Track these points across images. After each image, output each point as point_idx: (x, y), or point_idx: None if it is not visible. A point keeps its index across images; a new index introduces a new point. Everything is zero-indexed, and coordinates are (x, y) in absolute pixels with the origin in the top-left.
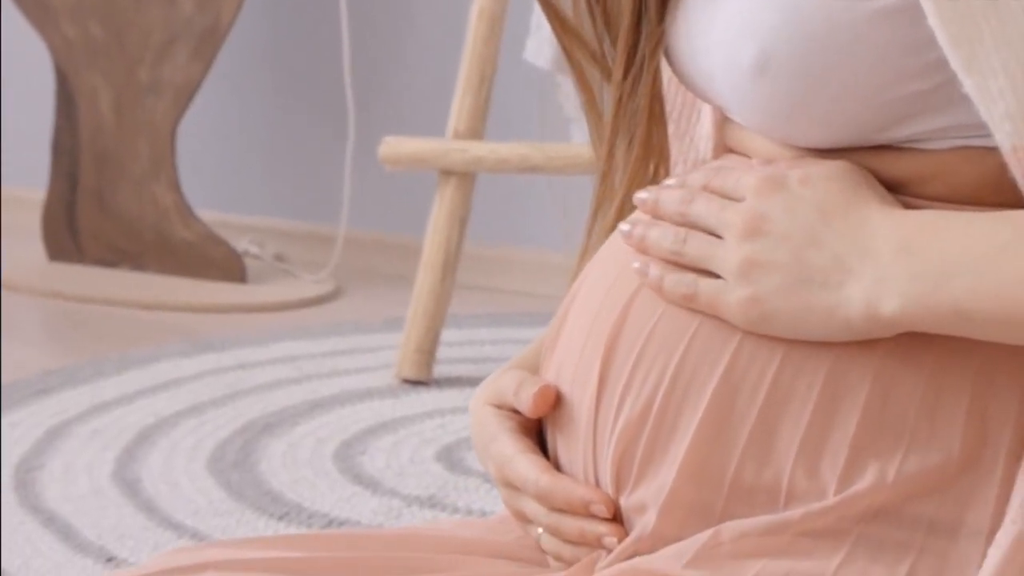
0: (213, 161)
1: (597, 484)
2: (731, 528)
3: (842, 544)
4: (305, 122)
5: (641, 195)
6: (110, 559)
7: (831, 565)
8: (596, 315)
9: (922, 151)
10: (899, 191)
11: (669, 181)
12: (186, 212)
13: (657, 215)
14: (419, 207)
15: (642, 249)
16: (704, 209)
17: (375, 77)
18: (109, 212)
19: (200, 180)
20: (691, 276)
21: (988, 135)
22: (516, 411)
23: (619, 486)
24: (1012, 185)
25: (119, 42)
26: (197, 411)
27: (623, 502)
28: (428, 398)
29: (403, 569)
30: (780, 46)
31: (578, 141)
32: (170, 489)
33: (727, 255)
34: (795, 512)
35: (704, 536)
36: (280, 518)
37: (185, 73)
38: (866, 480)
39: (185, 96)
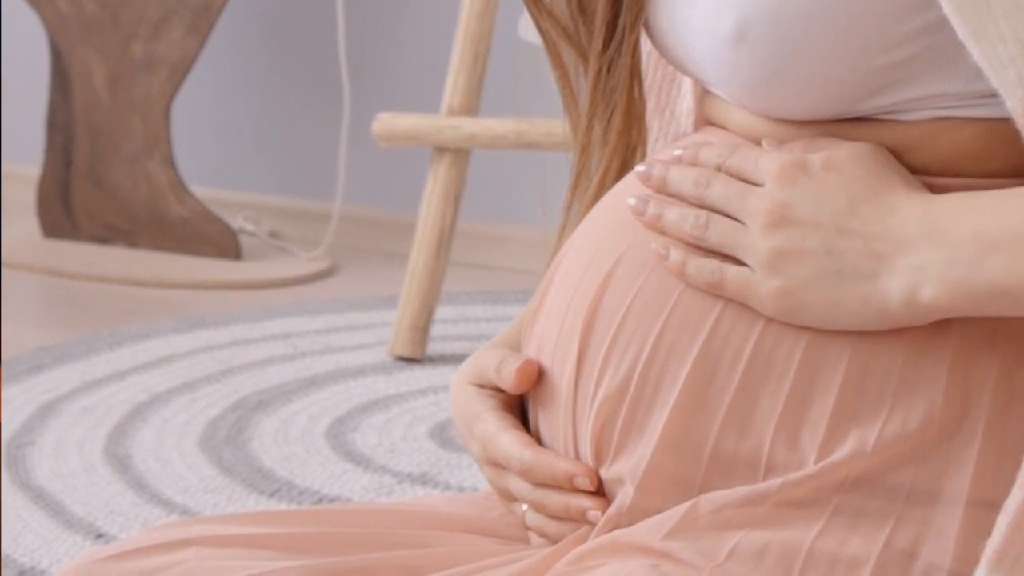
0: (208, 138)
1: (577, 458)
2: (710, 500)
3: (821, 514)
4: (300, 98)
5: (644, 169)
6: (100, 535)
7: (809, 535)
8: (576, 289)
9: (900, 122)
10: None
11: (668, 154)
12: (180, 189)
13: (665, 192)
14: (415, 184)
15: (658, 228)
16: (723, 193)
17: (370, 53)
18: (103, 189)
19: (195, 157)
20: (716, 263)
21: (967, 105)
22: (498, 389)
23: (599, 459)
24: (990, 155)
25: (113, 18)
26: (190, 388)
27: (603, 475)
28: (422, 375)
29: (384, 545)
30: (759, 15)
31: None
32: (161, 466)
33: (754, 243)
34: (774, 482)
35: (683, 508)
36: (271, 495)
37: (180, 49)
38: (846, 449)
39: (180, 72)
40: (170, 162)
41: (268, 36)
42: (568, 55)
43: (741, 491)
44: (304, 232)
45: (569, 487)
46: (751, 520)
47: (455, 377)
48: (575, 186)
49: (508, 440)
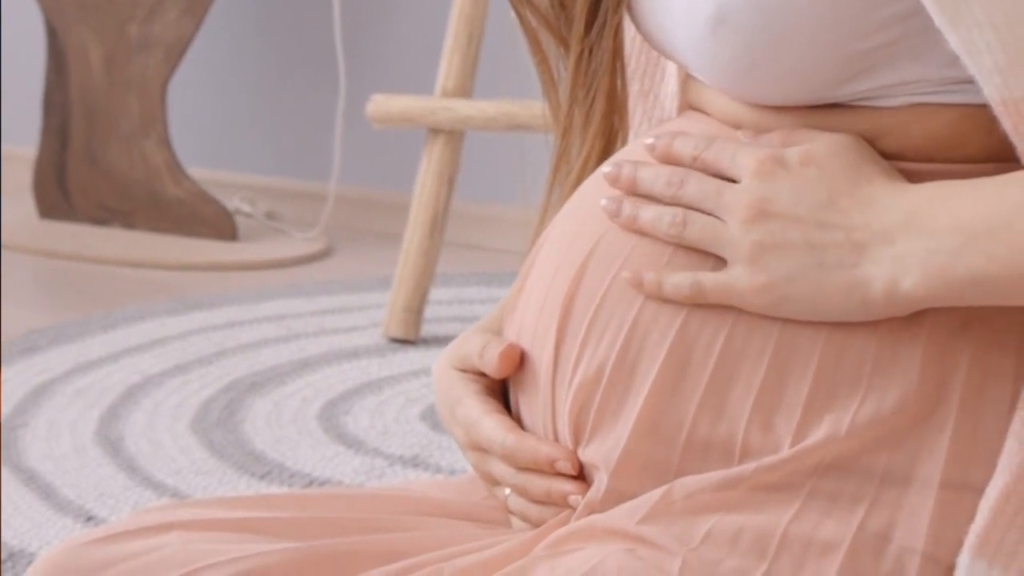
0: (204, 118)
1: (556, 441)
2: (684, 484)
3: (795, 497)
4: (296, 79)
5: (611, 170)
6: (90, 518)
7: (784, 518)
8: (554, 274)
9: (875, 108)
10: None
11: (639, 145)
12: (177, 170)
13: (635, 193)
14: (412, 164)
15: (634, 229)
16: (699, 190)
17: (366, 34)
18: (100, 169)
19: (191, 137)
20: (691, 276)
21: (943, 91)
22: (481, 374)
23: (577, 443)
24: (965, 141)
25: None
26: (183, 370)
27: (581, 458)
28: (415, 357)
29: (366, 529)
30: (737, 2)
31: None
32: (152, 448)
33: (735, 239)
34: (748, 467)
35: (658, 493)
36: (261, 477)
37: (176, 30)
38: (820, 433)
39: (176, 53)
40: (166, 143)
41: (264, 17)
42: (547, 39)
43: (716, 475)
44: (301, 213)
45: (551, 471)
46: (726, 504)
47: (438, 362)
48: (556, 170)
49: (491, 424)
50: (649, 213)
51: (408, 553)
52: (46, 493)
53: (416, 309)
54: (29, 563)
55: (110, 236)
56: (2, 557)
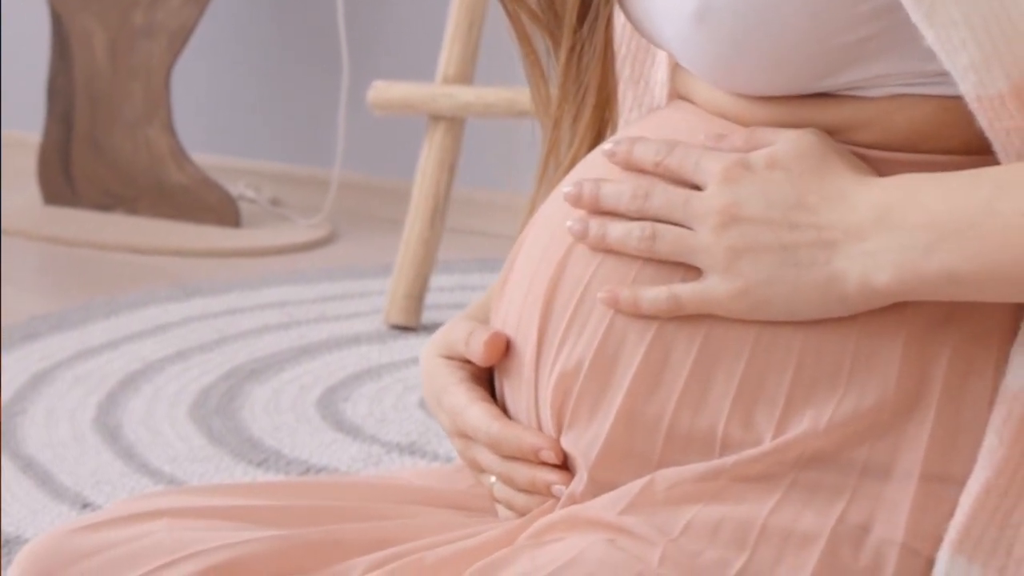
0: (208, 105)
1: (540, 429)
2: (665, 476)
3: (776, 488)
4: (299, 65)
5: (572, 190)
6: (86, 505)
7: (764, 510)
8: (539, 263)
9: (859, 98)
10: (833, 138)
11: (597, 154)
12: (180, 156)
13: (599, 210)
14: (417, 151)
15: (603, 248)
16: (665, 201)
17: (369, 20)
18: (104, 156)
19: (195, 123)
20: (667, 290)
21: (924, 83)
22: (467, 361)
23: (559, 432)
24: (947, 133)
25: None
26: (183, 357)
27: (564, 446)
28: (416, 344)
29: (353, 517)
30: None
31: None
32: (150, 435)
33: (708, 246)
34: (729, 459)
35: (639, 484)
36: (258, 464)
37: (179, 16)
38: (800, 428)
39: (180, 39)
40: (170, 129)
41: (267, 4)
42: (536, 33)
43: (697, 467)
44: (305, 199)
45: (535, 460)
46: (706, 495)
47: (424, 349)
48: (545, 162)
49: (476, 413)
50: (617, 230)
51: (393, 541)
52: (43, 480)
53: (417, 296)
54: None
55: (114, 222)
56: None
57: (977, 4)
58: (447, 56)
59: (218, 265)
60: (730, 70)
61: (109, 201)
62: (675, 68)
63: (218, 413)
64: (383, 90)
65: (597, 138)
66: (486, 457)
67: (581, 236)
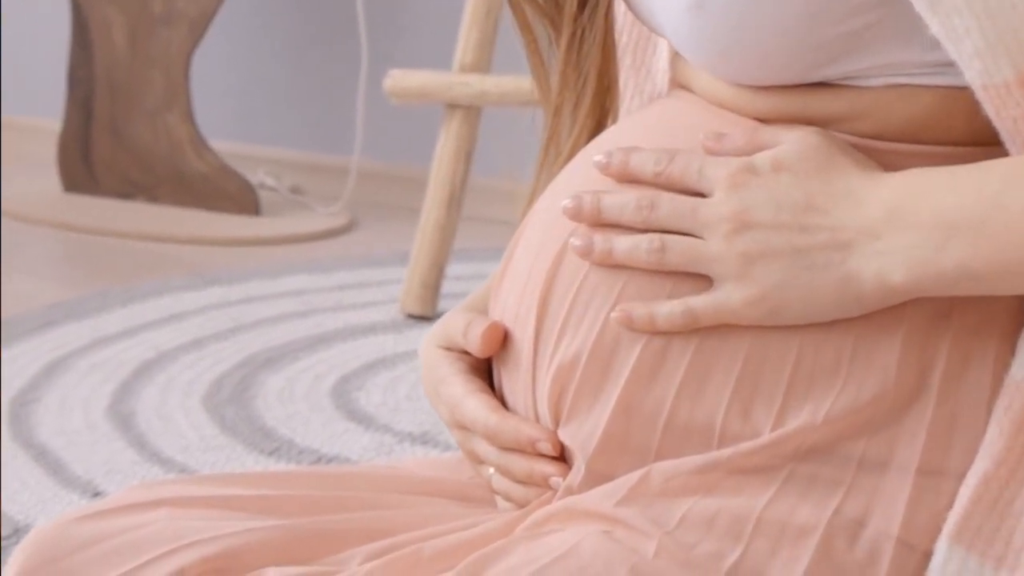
0: (228, 92)
1: (537, 421)
2: (662, 468)
3: (772, 481)
4: (319, 52)
5: (572, 204)
6: (96, 494)
7: (760, 502)
8: (538, 253)
9: (857, 88)
10: (831, 127)
11: (587, 165)
12: (200, 144)
13: (601, 223)
14: (435, 139)
15: (610, 263)
16: (672, 211)
17: (388, 8)
18: (123, 143)
19: (214, 111)
20: (682, 303)
21: (924, 73)
22: (466, 352)
23: (556, 424)
24: (945, 123)
25: None
26: (198, 345)
27: (561, 438)
28: None
29: (353, 507)
30: None
31: None
32: (163, 424)
33: (720, 254)
34: (726, 451)
35: (636, 476)
36: (270, 454)
37: (199, 4)
38: (798, 421)
39: (199, 27)
40: (189, 117)
41: None
42: (536, 20)
43: (694, 459)
44: (324, 187)
45: (533, 452)
46: (703, 487)
47: (424, 341)
48: (545, 150)
49: (474, 404)
50: (624, 244)
51: (391, 532)
52: (55, 468)
53: (433, 285)
54: None
55: (133, 210)
56: (3, 532)
57: None
58: (464, 44)
59: (237, 253)
60: (727, 59)
61: (129, 189)
62: (675, 57)
63: (231, 402)
64: (400, 78)
65: (597, 126)
66: (484, 449)
67: (586, 253)
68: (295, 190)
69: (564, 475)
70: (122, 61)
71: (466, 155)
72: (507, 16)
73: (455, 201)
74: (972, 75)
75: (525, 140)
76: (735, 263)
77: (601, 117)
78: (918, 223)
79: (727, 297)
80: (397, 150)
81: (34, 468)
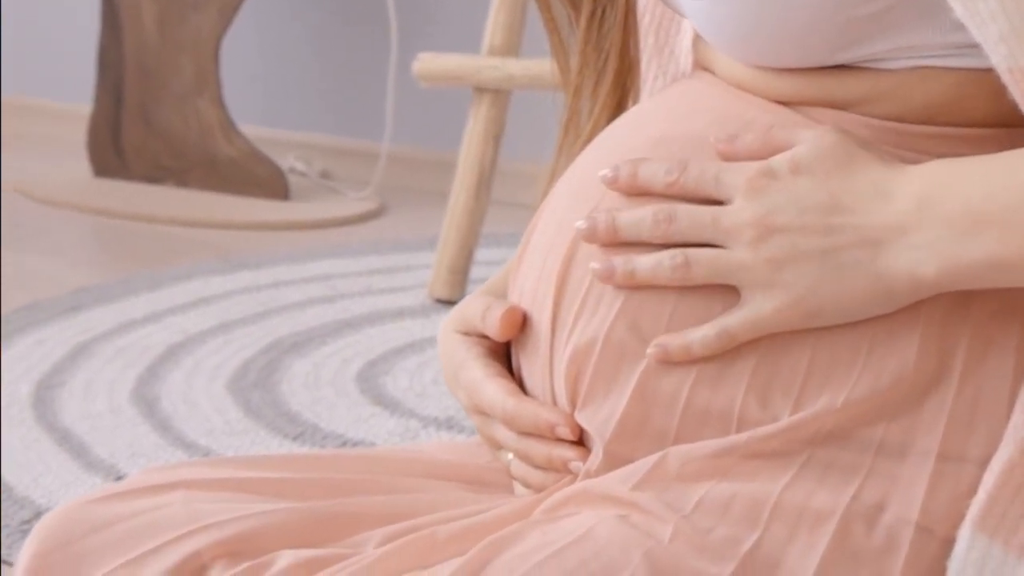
0: (257, 77)
1: (555, 404)
2: (679, 452)
3: (790, 466)
4: (348, 36)
5: (586, 226)
6: (119, 478)
7: (777, 487)
8: (555, 236)
9: (878, 71)
10: (851, 110)
11: (592, 180)
12: (230, 128)
13: (618, 242)
14: (465, 123)
15: (633, 285)
16: (692, 222)
17: None
18: (153, 128)
19: (244, 96)
20: (716, 326)
21: (947, 55)
22: (485, 336)
23: (573, 407)
24: (965, 105)
25: None
26: (225, 329)
27: (579, 421)
28: None
29: (366, 491)
30: None
31: None
32: (188, 408)
33: (746, 263)
34: (743, 435)
35: (652, 459)
36: (294, 438)
37: None
38: (817, 406)
39: (229, 11)
40: (219, 101)
41: None
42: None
43: (711, 443)
44: (354, 171)
45: (551, 436)
46: (719, 471)
47: (442, 326)
48: (566, 131)
49: (492, 389)
50: (646, 263)
51: (407, 515)
52: (78, 452)
53: (461, 270)
54: None
55: (163, 195)
56: (26, 516)
57: None
58: (492, 28)
59: (266, 238)
60: (747, 42)
61: (159, 173)
62: (696, 38)
63: (257, 386)
64: (428, 61)
65: (618, 107)
66: (503, 434)
67: (607, 277)
68: (325, 175)
69: (583, 459)
70: (152, 46)
71: (495, 139)
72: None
73: (484, 185)
74: (998, 59)
75: (555, 124)
76: (763, 270)
77: (622, 98)
78: (948, 216)
79: (759, 308)
80: (428, 134)
81: (57, 452)
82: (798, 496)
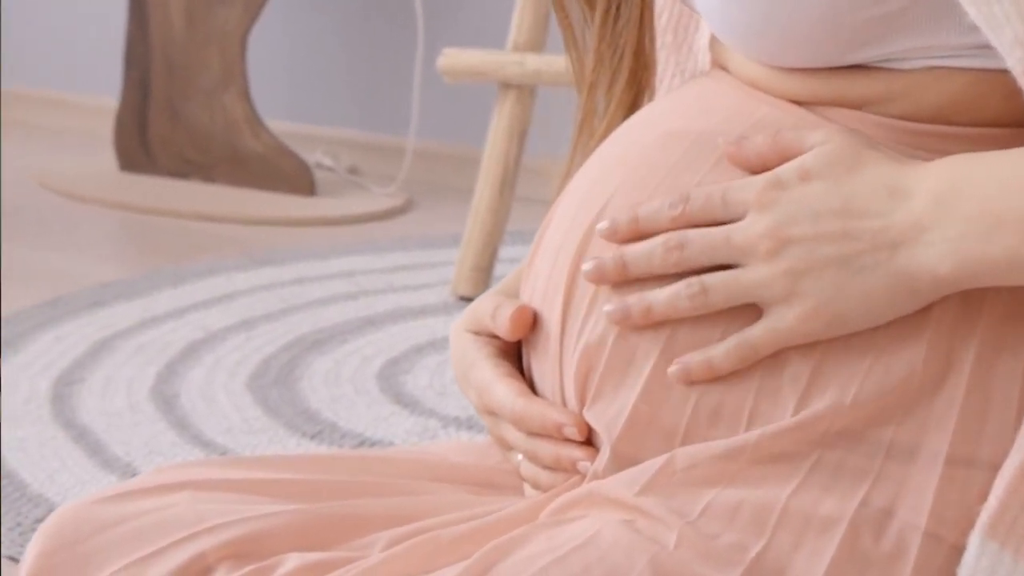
0: (284, 72)
1: (564, 404)
2: (686, 454)
3: (798, 470)
4: (375, 31)
5: (593, 268)
6: (135, 475)
7: (784, 492)
8: (567, 234)
9: (892, 70)
10: (865, 110)
11: (590, 237)
12: (256, 123)
13: (629, 278)
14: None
15: (652, 322)
16: (704, 246)
17: None
18: (180, 122)
19: (271, 91)
20: (733, 340)
21: (960, 56)
22: (495, 336)
23: (582, 406)
24: (978, 105)
25: None
26: (247, 326)
27: (588, 420)
28: None
29: (373, 493)
30: None
31: None
32: (207, 406)
33: (764, 277)
34: (752, 434)
35: (659, 462)
36: (312, 437)
37: None
38: (825, 400)
39: (256, 6)
40: (246, 96)
41: None
42: None
43: (719, 444)
44: (381, 167)
45: (559, 437)
46: (726, 476)
47: (453, 325)
48: (580, 129)
49: (502, 389)
50: (662, 298)
51: (413, 518)
52: (95, 449)
53: (485, 267)
54: None
55: (189, 190)
56: (39, 514)
57: None
58: (518, 24)
59: (293, 234)
60: (759, 42)
61: (185, 168)
62: (713, 37)
63: (276, 384)
64: (453, 57)
65: (633, 105)
66: (512, 434)
67: (623, 320)
68: (352, 170)
69: (592, 459)
70: (179, 40)
71: (519, 135)
72: None
73: (508, 182)
74: (1013, 62)
75: None
76: (782, 282)
77: (637, 96)
78: (964, 214)
79: (781, 320)
80: (454, 130)
81: (74, 449)
82: (805, 502)
